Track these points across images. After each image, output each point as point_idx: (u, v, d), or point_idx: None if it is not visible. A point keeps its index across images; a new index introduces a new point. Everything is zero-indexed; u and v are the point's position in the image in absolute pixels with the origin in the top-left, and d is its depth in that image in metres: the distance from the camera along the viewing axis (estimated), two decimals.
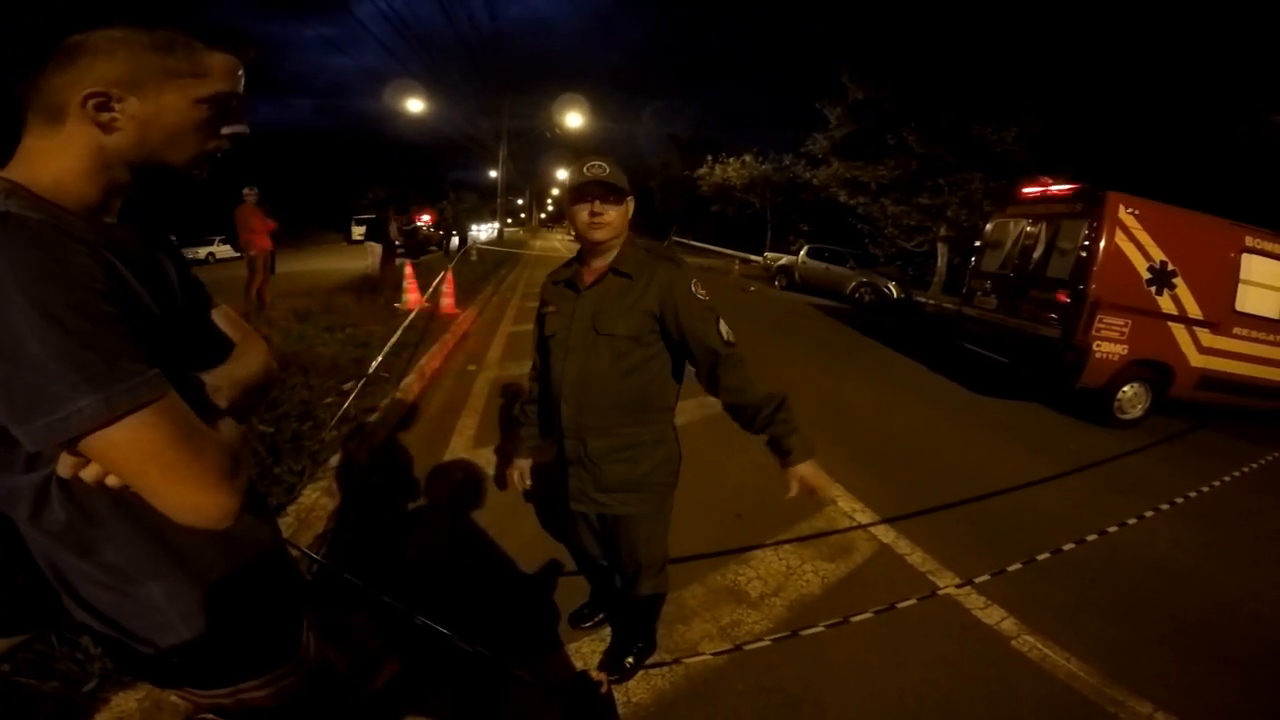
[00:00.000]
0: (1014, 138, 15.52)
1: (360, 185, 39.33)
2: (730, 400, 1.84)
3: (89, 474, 0.76)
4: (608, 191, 1.73)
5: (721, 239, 35.32)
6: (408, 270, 9.33)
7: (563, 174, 50.33)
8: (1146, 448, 5.54)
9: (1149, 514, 3.49)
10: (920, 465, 4.57)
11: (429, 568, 2.85)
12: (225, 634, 0.97)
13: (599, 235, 1.77)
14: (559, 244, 38.79)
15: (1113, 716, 2.22)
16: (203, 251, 24.89)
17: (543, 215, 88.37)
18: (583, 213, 1.76)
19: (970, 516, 3.76)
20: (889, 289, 15.79)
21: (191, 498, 0.75)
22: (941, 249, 19.87)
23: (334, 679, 1.32)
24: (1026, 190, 7.20)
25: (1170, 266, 5.93)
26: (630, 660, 2.25)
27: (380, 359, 5.14)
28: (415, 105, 20.75)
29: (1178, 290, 5.98)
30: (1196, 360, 6.17)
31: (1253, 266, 6.20)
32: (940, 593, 2.83)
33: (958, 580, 2.95)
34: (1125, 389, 6.10)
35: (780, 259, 19.09)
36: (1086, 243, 5.88)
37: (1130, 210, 5.84)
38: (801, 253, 17.94)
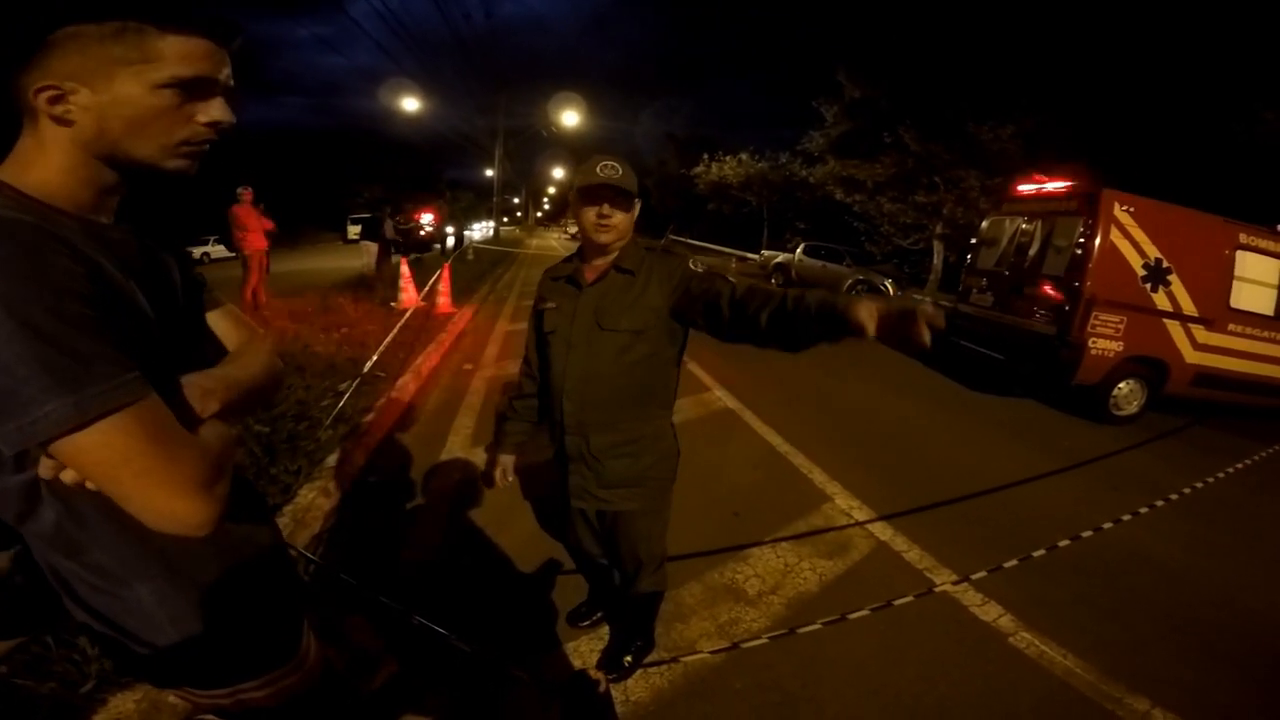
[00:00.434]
0: (1010, 136, 15.55)
1: (355, 184, 39.24)
2: (769, 310, 1.47)
3: (68, 476, 0.75)
4: (617, 195, 1.73)
5: (718, 237, 35.34)
6: (403, 269, 9.31)
7: (559, 172, 50.35)
8: (1142, 444, 5.56)
9: (1145, 510, 3.52)
10: (917, 462, 4.58)
11: (426, 567, 2.85)
12: (220, 635, 0.96)
13: (605, 238, 1.77)
14: (555, 242, 38.79)
15: (1110, 713, 2.22)
16: (197, 251, 24.80)
17: (539, 214, 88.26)
18: (590, 213, 1.75)
19: (967, 513, 3.77)
20: (885, 286, 15.85)
21: (166, 505, 0.73)
22: (937, 247, 19.88)
23: (335, 680, 1.31)
24: (1022, 188, 7.22)
25: (1165, 263, 5.95)
26: (629, 659, 2.25)
27: (376, 358, 5.14)
28: (410, 104, 20.71)
29: (1173, 287, 6.01)
30: (1191, 357, 6.19)
31: (1247, 263, 6.22)
32: (937, 590, 2.84)
33: (955, 577, 2.95)
34: (1121, 386, 6.12)
35: (777, 257, 19.12)
36: (1082, 240, 5.90)
37: (1125, 208, 5.86)
38: (798, 251, 17.96)
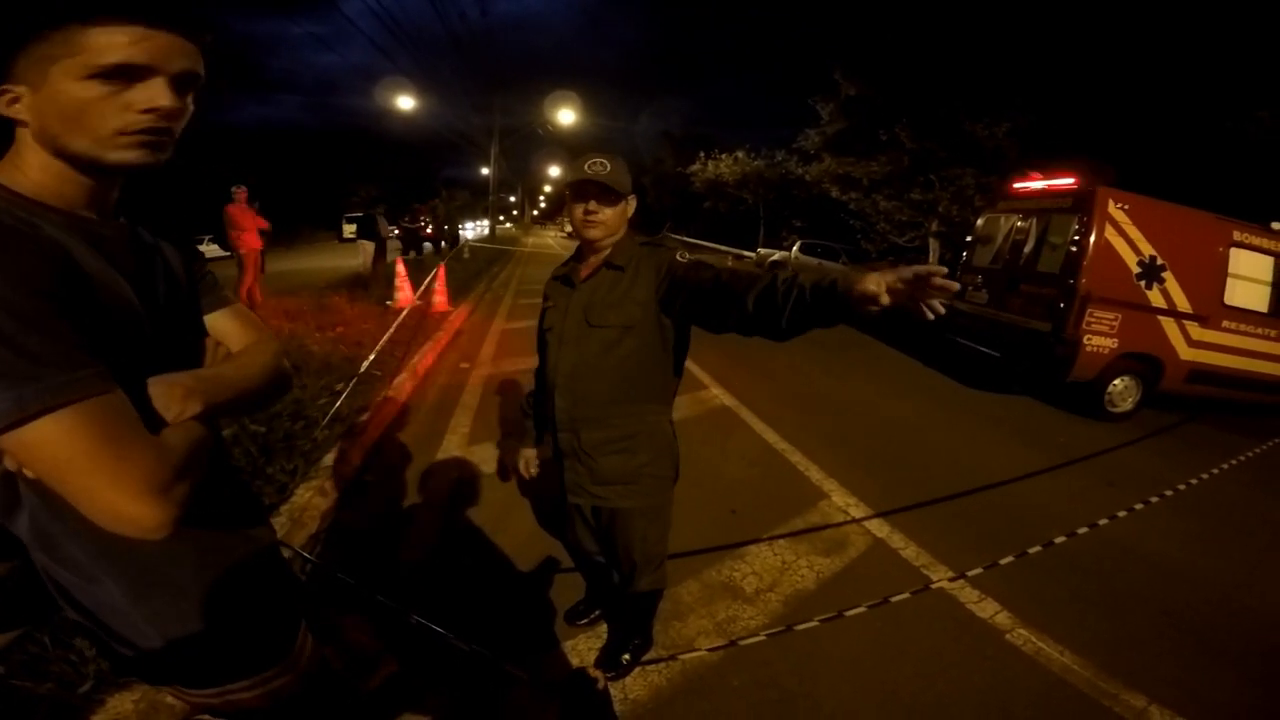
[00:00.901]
0: (1005, 134, 15.58)
1: (351, 183, 39.15)
2: (756, 291, 1.42)
3: (29, 471, 0.75)
4: (603, 191, 1.73)
5: (714, 235, 35.37)
6: (399, 268, 9.30)
7: (555, 171, 50.25)
8: (1138, 441, 5.58)
9: (1140, 507, 3.54)
10: (913, 460, 4.59)
11: (424, 567, 2.85)
12: (203, 635, 0.95)
13: (592, 234, 1.78)
14: (552, 241, 38.76)
15: (1108, 710, 2.23)
16: None
17: (535, 212, 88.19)
18: (578, 209, 1.77)
19: (963, 510, 3.78)
20: None
21: (115, 506, 0.71)
22: (933, 244, 19.91)
23: (332, 681, 1.31)
24: (1017, 185, 7.24)
25: (1160, 261, 5.98)
26: (627, 657, 2.25)
27: (373, 357, 5.13)
28: (406, 102, 20.61)
29: (1167, 284, 6.03)
30: (1186, 354, 6.22)
31: (1241, 261, 6.25)
32: (934, 586, 2.85)
33: (951, 574, 2.97)
34: (1116, 382, 6.15)
35: (773, 255, 19.19)
36: (1077, 237, 5.91)
37: (1120, 205, 5.89)
38: (794, 249, 18.03)
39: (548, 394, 1.92)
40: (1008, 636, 2.59)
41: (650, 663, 2.29)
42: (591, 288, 1.84)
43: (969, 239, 7.92)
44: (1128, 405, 6.24)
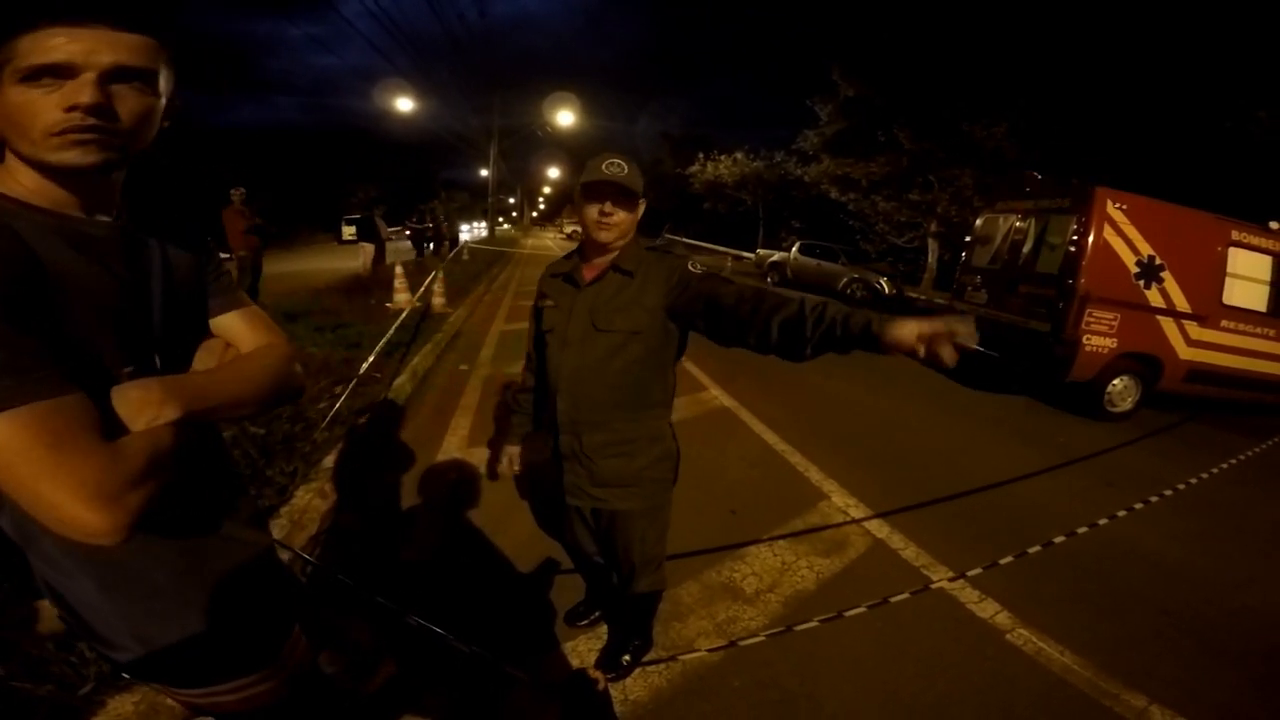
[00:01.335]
0: (1004, 134, 15.60)
1: (350, 184, 39.15)
2: (781, 318, 1.43)
3: None
4: (621, 193, 1.71)
5: (714, 236, 35.34)
6: (398, 270, 9.30)
7: (554, 172, 50.23)
8: (1137, 440, 5.58)
9: (1140, 506, 3.53)
10: (913, 460, 4.59)
11: (424, 568, 2.85)
12: (180, 635, 0.94)
13: (606, 236, 1.76)
14: (551, 242, 38.76)
15: (1108, 710, 2.23)
16: None
17: (534, 214, 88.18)
18: (593, 210, 1.74)
19: (963, 511, 3.78)
20: (880, 285, 15.90)
21: (58, 511, 0.69)
22: (932, 245, 19.95)
23: (322, 686, 1.30)
24: (1015, 185, 7.25)
25: (1158, 261, 5.98)
26: (627, 658, 2.25)
27: (372, 359, 5.12)
28: (405, 104, 20.60)
29: (1166, 284, 6.04)
30: (1185, 353, 6.23)
31: (1239, 260, 6.26)
32: (934, 587, 2.85)
33: (951, 574, 2.96)
34: (1115, 382, 6.15)
35: (772, 256, 19.14)
36: (1075, 238, 5.92)
37: (1118, 205, 5.89)
38: (793, 249, 17.99)
39: (549, 396, 1.91)
40: (1008, 636, 2.59)
41: (650, 663, 2.28)
42: (598, 291, 1.82)
43: (968, 239, 7.92)
44: (1127, 405, 6.25)
